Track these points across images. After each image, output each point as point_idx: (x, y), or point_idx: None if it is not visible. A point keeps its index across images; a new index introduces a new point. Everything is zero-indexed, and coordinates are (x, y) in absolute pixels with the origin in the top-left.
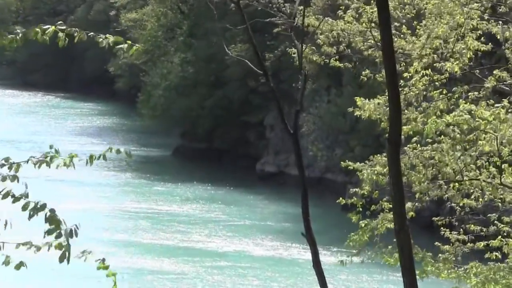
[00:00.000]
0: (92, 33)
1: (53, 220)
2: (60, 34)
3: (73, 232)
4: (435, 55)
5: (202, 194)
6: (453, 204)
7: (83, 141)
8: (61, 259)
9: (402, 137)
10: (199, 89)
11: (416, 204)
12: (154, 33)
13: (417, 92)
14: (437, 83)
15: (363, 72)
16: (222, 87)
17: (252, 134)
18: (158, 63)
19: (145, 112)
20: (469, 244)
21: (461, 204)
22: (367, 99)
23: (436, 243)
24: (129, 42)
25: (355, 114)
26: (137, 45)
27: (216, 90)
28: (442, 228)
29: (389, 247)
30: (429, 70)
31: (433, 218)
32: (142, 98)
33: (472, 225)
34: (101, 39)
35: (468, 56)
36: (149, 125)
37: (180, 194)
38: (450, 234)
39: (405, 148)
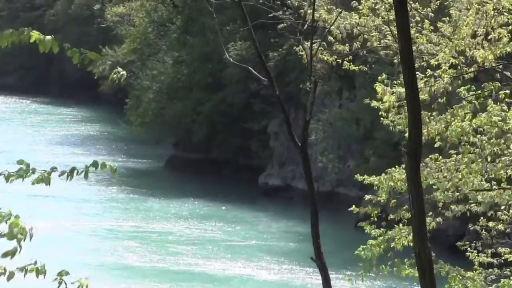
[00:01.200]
0: (67, 44)
1: (14, 224)
2: (46, 38)
3: (29, 231)
4: (466, 41)
5: (198, 211)
6: (477, 227)
7: (64, 152)
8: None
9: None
10: (194, 93)
11: (438, 217)
12: (144, 30)
13: (443, 86)
14: (466, 76)
15: (379, 77)
16: (220, 90)
17: (254, 143)
18: (148, 63)
19: (134, 118)
20: (497, 270)
21: (487, 226)
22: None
23: (463, 272)
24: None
25: (371, 105)
26: (123, 72)
27: (214, 94)
28: (468, 252)
29: (407, 262)
30: (459, 57)
31: (457, 243)
32: (130, 103)
33: (500, 248)
34: (78, 54)
35: (498, 50)
36: (138, 133)
37: (174, 211)
38: (477, 256)
39: (426, 160)
